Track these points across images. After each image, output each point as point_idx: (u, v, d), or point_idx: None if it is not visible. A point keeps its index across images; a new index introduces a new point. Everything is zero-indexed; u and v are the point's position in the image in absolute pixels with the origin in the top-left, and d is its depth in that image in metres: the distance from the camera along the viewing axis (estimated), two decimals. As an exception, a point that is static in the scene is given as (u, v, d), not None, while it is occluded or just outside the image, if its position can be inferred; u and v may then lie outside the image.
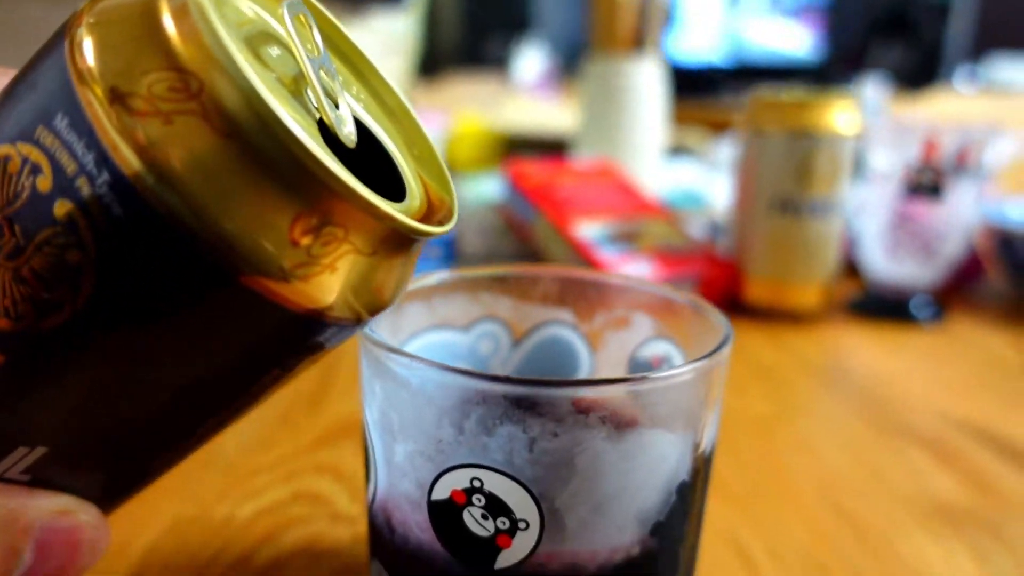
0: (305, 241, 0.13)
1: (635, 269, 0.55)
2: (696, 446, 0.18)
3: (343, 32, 0.17)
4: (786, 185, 0.54)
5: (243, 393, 0.16)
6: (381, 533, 0.20)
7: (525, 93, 1.54)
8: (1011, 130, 1.16)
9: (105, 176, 0.12)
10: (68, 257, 0.13)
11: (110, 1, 0.13)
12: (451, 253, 0.66)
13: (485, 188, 0.74)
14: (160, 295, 0.13)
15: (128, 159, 0.12)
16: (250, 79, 0.12)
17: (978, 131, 0.54)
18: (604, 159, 0.74)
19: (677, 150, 1.07)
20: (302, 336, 0.15)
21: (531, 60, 1.67)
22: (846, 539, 0.30)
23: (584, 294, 0.26)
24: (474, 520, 0.17)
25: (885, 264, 0.58)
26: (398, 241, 0.15)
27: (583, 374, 0.26)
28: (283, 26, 0.15)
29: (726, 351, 0.19)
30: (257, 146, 0.13)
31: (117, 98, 0.12)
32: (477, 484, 0.17)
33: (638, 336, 0.25)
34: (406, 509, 0.19)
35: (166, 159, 0.12)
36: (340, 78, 0.17)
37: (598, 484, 0.17)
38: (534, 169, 0.66)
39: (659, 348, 0.24)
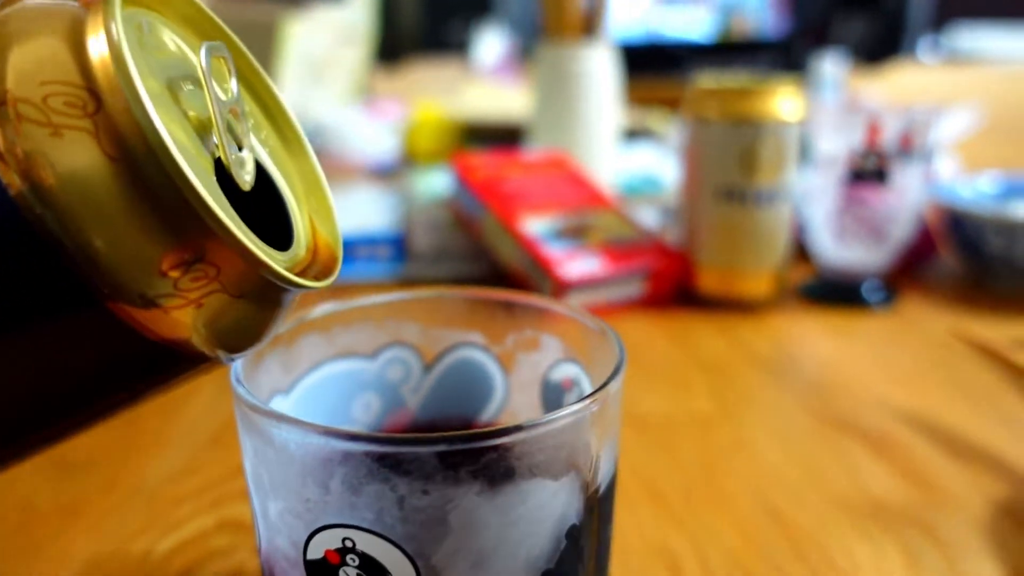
0: (174, 274, 0.13)
1: (583, 264, 0.54)
2: (586, 487, 0.18)
3: (262, 76, 0.18)
4: (731, 174, 0.54)
5: (82, 410, 0.15)
6: (269, 588, 0.19)
7: (485, 77, 1.52)
8: (972, 100, 1.17)
9: None
10: None
11: (29, 4, 0.13)
12: (400, 252, 0.65)
13: (436, 182, 0.73)
14: (17, 301, 0.13)
15: (8, 162, 0.12)
16: (147, 108, 0.12)
17: (921, 113, 0.53)
18: (555, 150, 0.73)
19: (637, 133, 1.06)
20: (155, 365, 0.15)
21: (491, 44, 1.64)
22: (777, 543, 0.30)
23: (493, 315, 0.25)
24: (350, 580, 0.16)
25: (834, 249, 0.57)
26: (269, 289, 0.15)
27: (498, 397, 0.26)
28: (198, 65, 0.15)
29: (616, 383, 0.18)
30: (142, 174, 0.13)
31: (9, 101, 0.12)
32: (349, 544, 0.16)
33: (548, 358, 0.24)
34: (284, 566, 0.18)
35: (46, 169, 0.12)
36: (251, 121, 0.18)
37: (475, 540, 0.16)
38: (482, 162, 0.65)
39: (568, 371, 0.24)
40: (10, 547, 0.30)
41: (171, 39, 0.16)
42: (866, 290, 0.57)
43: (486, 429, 0.15)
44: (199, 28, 0.16)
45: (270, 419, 0.16)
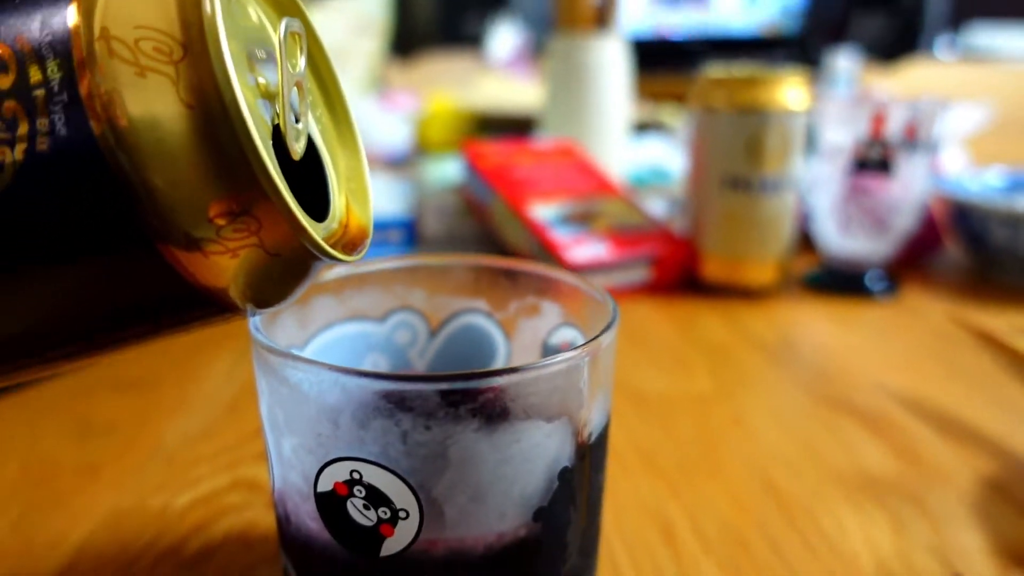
0: (220, 221, 0.14)
1: (589, 250, 0.55)
2: (577, 433, 0.19)
3: (328, 61, 0.19)
4: (737, 163, 0.55)
5: (103, 335, 0.16)
6: (281, 523, 0.20)
7: (499, 70, 1.53)
8: (985, 96, 1.16)
9: (64, 97, 0.14)
10: None
11: None
12: (411, 236, 0.66)
13: (447, 170, 0.74)
14: (63, 220, 0.14)
15: (92, 92, 0.14)
16: (228, 67, 0.14)
17: (926, 104, 0.54)
18: (565, 139, 0.74)
19: (648, 126, 1.07)
20: (184, 305, 0.16)
21: (505, 37, 1.65)
22: (769, 512, 0.31)
23: (496, 283, 0.26)
24: (357, 510, 0.18)
25: (839, 239, 0.58)
26: (302, 253, 0.16)
27: (500, 361, 0.27)
28: (276, 37, 0.17)
29: (607, 337, 0.19)
30: (212, 125, 0.14)
31: (104, 37, 0.14)
32: (357, 476, 0.17)
33: (548, 323, 0.25)
34: (297, 500, 0.19)
35: (125, 106, 0.14)
36: (311, 98, 0.19)
37: (473, 474, 0.17)
38: (492, 150, 0.66)
39: (567, 335, 0.25)
40: (34, 499, 0.31)
41: (253, 9, 0.17)
42: (869, 280, 0.58)
43: (485, 370, 0.17)
44: (279, 3, 0.18)
45: (286, 360, 0.17)
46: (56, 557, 0.28)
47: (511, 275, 0.26)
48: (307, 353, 0.24)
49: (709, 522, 0.30)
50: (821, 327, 0.53)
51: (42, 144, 0.14)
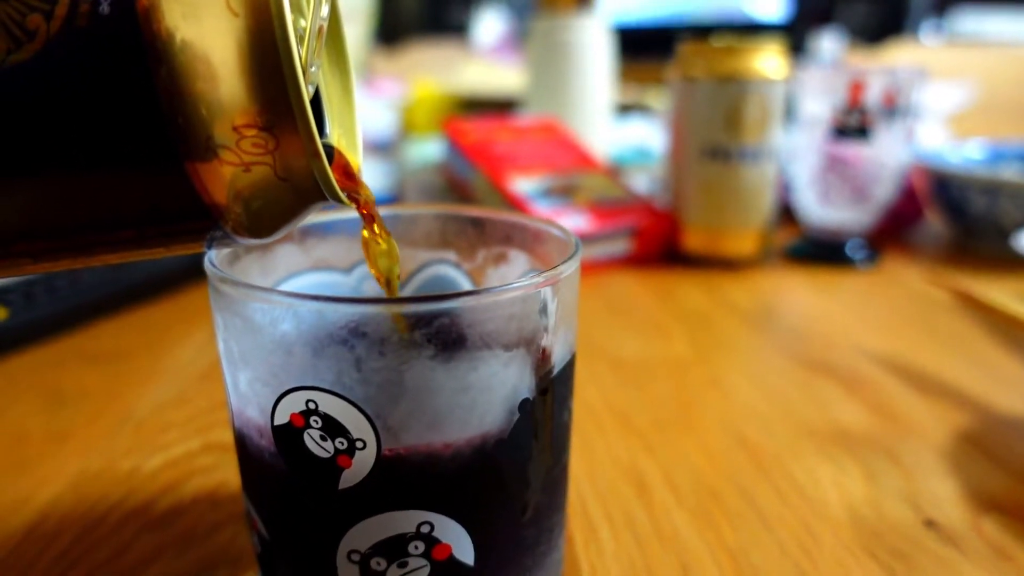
0: (242, 131, 0.14)
1: (570, 222, 0.55)
2: (539, 364, 0.19)
3: (339, 14, 0.20)
4: (716, 132, 0.54)
5: (83, 228, 0.16)
6: (241, 462, 0.20)
7: (484, 56, 1.52)
8: (968, 78, 1.17)
9: None
10: (29, 20, 0.14)
11: None
12: (392, 214, 0.66)
13: (429, 150, 0.74)
14: (83, 99, 0.14)
15: None
16: None
17: (904, 72, 0.54)
18: (547, 117, 0.73)
19: (632, 108, 1.06)
20: (178, 212, 0.15)
21: (490, 24, 1.65)
22: (742, 465, 0.31)
23: (463, 232, 0.26)
24: (314, 442, 0.17)
25: (819, 209, 0.58)
26: (308, 184, 0.16)
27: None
28: None
29: (567, 268, 0.19)
30: (256, 36, 0.14)
31: None
32: (312, 406, 0.17)
33: (516, 270, 0.25)
34: (255, 436, 0.19)
35: (173, 5, 0.14)
36: (325, 48, 0.19)
37: (429, 402, 0.17)
38: (473, 126, 0.65)
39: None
40: (1, 465, 0.31)
41: None
42: (850, 249, 0.58)
43: (439, 293, 0.16)
44: None
45: (236, 288, 0.17)
46: (20, 517, 0.27)
47: (477, 224, 0.26)
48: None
49: (682, 475, 0.30)
50: (801, 295, 0.53)
51: (81, 20, 0.14)
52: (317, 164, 0.15)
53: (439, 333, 0.17)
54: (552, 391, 0.20)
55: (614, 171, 0.66)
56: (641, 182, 0.71)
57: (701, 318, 0.48)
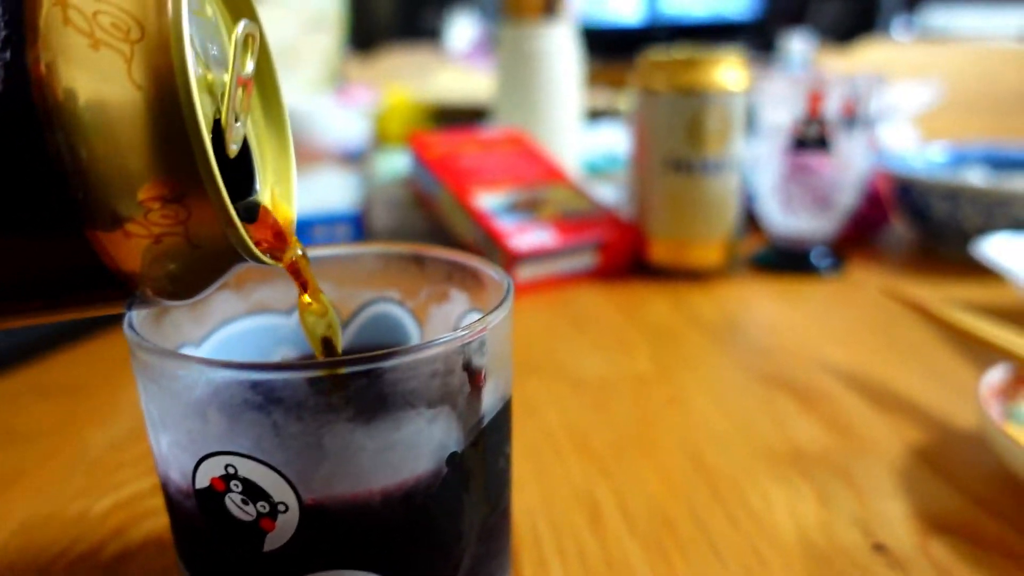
0: (149, 204, 0.14)
1: (534, 237, 0.55)
2: (468, 416, 0.18)
3: (271, 60, 0.20)
4: (678, 145, 0.55)
5: (9, 303, 0.16)
6: (171, 520, 0.20)
7: (457, 62, 1.52)
8: (938, 75, 1.18)
9: (7, 56, 0.13)
10: None
11: None
12: (359, 231, 0.65)
13: (397, 163, 0.73)
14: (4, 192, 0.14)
15: (41, 54, 0.13)
16: (186, 54, 0.14)
17: (863, 79, 0.54)
18: (513, 128, 0.73)
19: (604, 113, 1.07)
20: (89, 282, 0.15)
21: (464, 29, 1.64)
22: (698, 491, 0.31)
23: (405, 270, 0.26)
24: (236, 505, 0.17)
25: (782, 218, 0.58)
26: (226, 250, 0.16)
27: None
28: (231, 37, 0.17)
29: (494, 318, 0.19)
30: (159, 109, 0.14)
31: (61, 3, 0.13)
32: (232, 471, 0.17)
33: (457, 308, 0.25)
34: (179, 498, 0.19)
35: (74, 75, 0.13)
36: (252, 99, 0.19)
37: (352, 464, 0.17)
38: (438, 140, 0.65)
39: (474, 320, 0.24)
40: (-50, 512, 0.30)
41: (209, 5, 0.17)
42: (815, 257, 0.58)
43: (353, 356, 0.16)
44: (234, 2, 0.18)
45: (150, 353, 0.17)
46: (-37, 569, 0.27)
47: (419, 262, 0.25)
48: (205, 350, 0.23)
49: (637, 502, 0.30)
50: (765, 306, 0.53)
51: None
52: (233, 233, 0.15)
53: (358, 395, 0.17)
54: (484, 441, 0.19)
55: (580, 182, 0.66)
56: (608, 192, 0.71)
57: (665, 332, 0.48)
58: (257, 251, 0.16)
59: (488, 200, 0.58)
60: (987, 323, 0.37)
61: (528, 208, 0.58)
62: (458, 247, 0.59)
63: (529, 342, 0.46)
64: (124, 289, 0.16)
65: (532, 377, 0.41)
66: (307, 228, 0.64)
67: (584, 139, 0.86)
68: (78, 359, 0.45)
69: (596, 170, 0.83)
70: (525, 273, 0.54)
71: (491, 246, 0.55)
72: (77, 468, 0.33)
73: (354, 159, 1.05)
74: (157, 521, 0.29)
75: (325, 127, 1.25)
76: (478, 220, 0.56)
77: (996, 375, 0.33)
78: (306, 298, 0.19)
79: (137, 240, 0.15)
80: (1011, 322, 0.40)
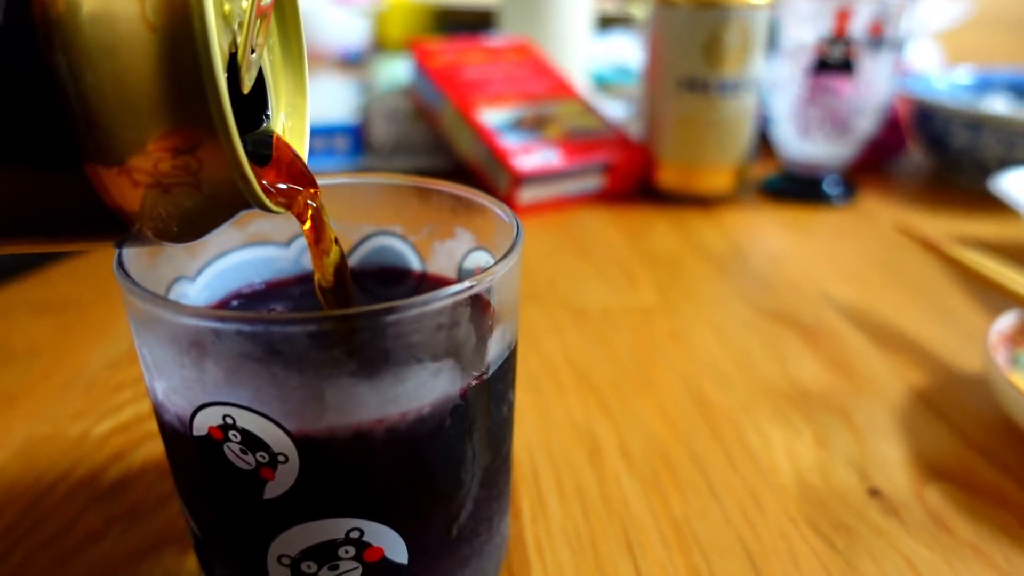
0: (160, 155, 0.13)
1: (539, 157, 0.53)
2: (471, 368, 0.18)
3: None
4: (694, 63, 0.52)
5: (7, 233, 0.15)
6: (169, 461, 0.20)
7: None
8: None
9: None
10: None
11: None
12: (358, 144, 0.63)
13: (399, 70, 0.70)
14: (10, 128, 0.13)
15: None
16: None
17: (894, 1, 0.51)
18: (520, 37, 0.70)
19: (615, 21, 1.02)
20: (91, 222, 0.15)
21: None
22: (697, 429, 0.31)
23: (408, 204, 0.24)
24: (235, 454, 0.17)
25: (798, 143, 0.56)
26: (237, 199, 0.15)
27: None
28: None
29: (502, 268, 0.18)
30: (174, 55, 0.13)
31: None
32: (230, 421, 0.16)
33: (462, 246, 0.24)
34: (177, 443, 0.18)
35: (82, 18, 0.12)
36: (269, 26, 0.18)
37: (353, 417, 0.16)
38: (442, 48, 0.62)
39: (480, 259, 0.23)
40: (-50, 429, 0.30)
41: None
42: (827, 185, 0.57)
43: (358, 310, 0.15)
44: None
45: (145, 300, 0.16)
46: (-34, 489, 0.27)
47: (423, 195, 0.24)
48: (202, 282, 0.22)
49: (636, 439, 0.30)
50: (774, 236, 0.52)
51: None
52: (246, 187, 0.14)
53: (361, 349, 0.16)
54: (487, 391, 0.19)
55: (590, 97, 0.63)
56: (617, 108, 0.69)
57: (670, 262, 0.47)
58: (270, 203, 0.15)
59: (493, 116, 0.56)
60: (1001, 265, 0.36)
61: (534, 126, 0.56)
62: (461, 164, 0.58)
63: (531, 268, 0.45)
64: (123, 227, 0.15)
65: (534, 306, 0.41)
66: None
67: (594, 49, 0.82)
68: (74, 273, 0.44)
69: (606, 82, 0.80)
70: (529, 194, 0.53)
71: (495, 165, 0.53)
72: (75, 388, 0.33)
73: (353, 62, 1.00)
74: (157, 446, 0.29)
75: (323, 27, 1.20)
76: (483, 137, 0.54)
77: (1007, 321, 0.33)
78: (318, 246, 0.18)
79: (146, 190, 0.14)
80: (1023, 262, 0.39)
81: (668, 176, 0.56)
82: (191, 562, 0.24)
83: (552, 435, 0.30)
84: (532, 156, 0.53)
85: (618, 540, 0.25)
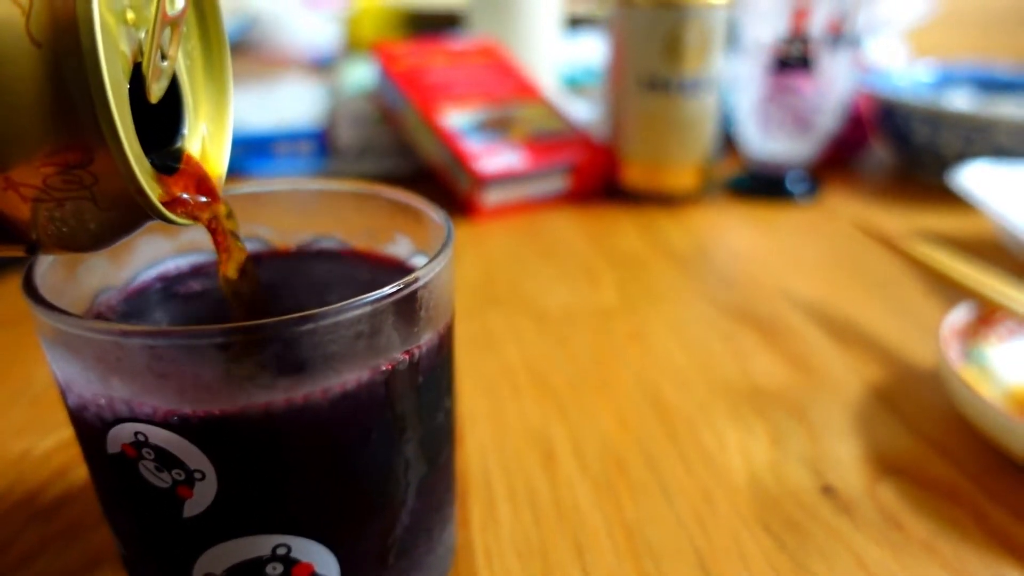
0: (48, 170, 0.13)
1: (503, 159, 0.53)
2: (398, 376, 0.17)
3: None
4: (655, 62, 0.52)
5: None
6: (92, 481, 0.19)
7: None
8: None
9: None
10: None
11: None
12: (322, 147, 0.63)
13: (363, 73, 0.70)
14: None
15: None
16: (92, 7, 0.12)
17: (851, -4, 0.51)
18: (485, 39, 0.69)
19: (583, 21, 1.01)
20: None
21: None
22: (653, 430, 0.31)
23: (347, 210, 0.24)
24: (150, 472, 0.16)
25: (760, 141, 0.56)
26: (137, 212, 0.14)
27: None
28: None
29: (427, 272, 0.18)
30: (61, 70, 0.12)
31: None
32: (142, 438, 0.16)
33: (403, 251, 0.24)
34: (95, 460, 0.18)
35: None
36: (185, 29, 0.17)
37: (271, 430, 0.16)
38: (405, 51, 0.62)
39: (420, 263, 0.23)
40: None
41: None
42: (790, 182, 0.57)
43: (269, 320, 0.15)
44: None
45: (49, 314, 0.16)
46: (-102, 512, 0.26)
47: (361, 201, 0.24)
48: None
49: (591, 443, 0.30)
50: (737, 234, 0.52)
51: None
52: (144, 201, 0.14)
53: (276, 359, 0.15)
54: (418, 400, 0.19)
55: (555, 99, 0.63)
56: (584, 109, 0.69)
57: (633, 262, 0.47)
58: (171, 215, 0.15)
59: (456, 118, 0.55)
60: (955, 260, 0.36)
61: (498, 127, 0.56)
62: (425, 168, 0.57)
63: (493, 272, 0.45)
64: (20, 240, 0.14)
65: (494, 309, 0.40)
66: (269, 144, 0.61)
67: (562, 50, 0.82)
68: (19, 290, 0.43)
69: (575, 83, 0.80)
70: (492, 197, 0.52)
71: (458, 168, 0.53)
72: (19, 404, 0.32)
73: (324, 66, 1.00)
74: (100, 461, 0.29)
75: (293, 31, 1.19)
76: (445, 140, 0.53)
77: (959, 315, 0.33)
78: (226, 261, 0.18)
79: (37, 204, 0.13)
80: (982, 256, 0.39)
81: (633, 175, 0.56)
82: (127, 581, 0.23)
83: (506, 440, 0.30)
84: (495, 159, 0.52)
85: (568, 547, 0.25)
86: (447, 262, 0.19)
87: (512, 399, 0.33)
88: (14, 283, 0.43)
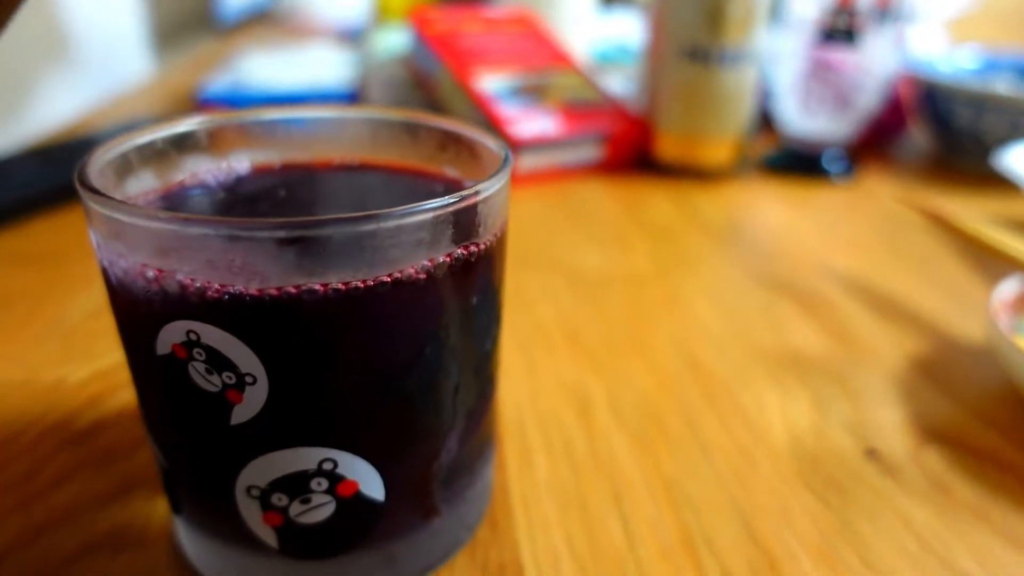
0: None
1: (537, 125, 0.52)
2: (451, 294, 0.17)
3: None
4: (697, 31, 0.51)
5: None
6: (135, 386, 0.19)
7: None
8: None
9: None
10: None
11: None
12: (353, 111, 0.62)
13: (397, 39, 0.69)
14: None
15: None
16: None
17: (902, -30, 0.50)
18: (520, 7, 0.69)
19: (619, 0, 1.00)
20: None
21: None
22: (690, 390, 0.30)
23: (396, 139, 0.23)
24: (200, 375, 0.16)
25: (799, 117, 0.55)
26: None
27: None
28: None
29: (489, 186, 0.17)
30: None
31: None
32: (194, 338, 0.15)
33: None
34: (142, 364, 0.17)
35: None
36: None
37: (325, 334, 0.15)
38: (441, 16, 0.61)
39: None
40: (-80, 374, 0.29)
41: None
42: (827, 161, 0.56)
43: (332, 216, 0.14)
44: None
45: (104, 203, 0.15)
46: (-68, 430, 0.26)
47: (411, 130, 0.23)
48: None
49: (627, 399, 0.29)
50: (772, 209, 0.51)
51: None
52: None
53: (334, 260, 0.15)
54: (471, 321, 0.18)
55: (590, 70, 0.62)
56: (617, 84, 0.68)
57: (667, 232, 0.46)
58: None
59: (490, 83, 0.55)
60: (1004, 233, 0.35)
61: (532, 93, 0.55)
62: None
63: (526, 234, 0.44)
64: None
65: (527, 270, 0.40)
66: (301, 103, 0.61)
67: (596, 26, 0.81)
68: (57, 225, 0.43)
69: (608, 61, 0.79)
70: (526, 162, 0.52)
71: (492, 133, 0.52)
72: (54, 337, 0.32)
73: (352, 38, 0.99)
74: (134, 392, 0.28)
75: (321, 4, 1.18)
76: (478, 104, 0.53)
77: (1009, 287, 0.32)
78: None
79: None
80: (1029, 236, 0.38)
81: (668, 147, 0.55)
82: (160, 505, 0.23)
83: (541, 393, 0.29)
84: (529, 124, 0.52)
85: (605, 495, 0.24)
86: (505, 181, 0.18)
87: (547, 356, 0.32)
88: (42, 224, 0.43)
